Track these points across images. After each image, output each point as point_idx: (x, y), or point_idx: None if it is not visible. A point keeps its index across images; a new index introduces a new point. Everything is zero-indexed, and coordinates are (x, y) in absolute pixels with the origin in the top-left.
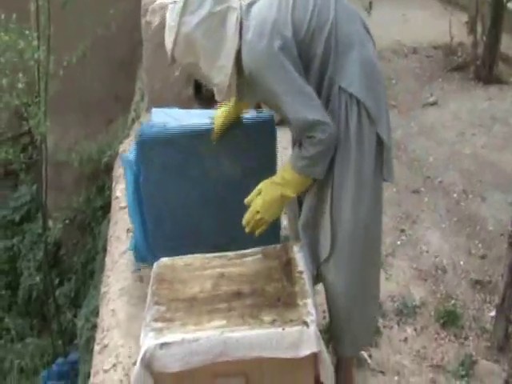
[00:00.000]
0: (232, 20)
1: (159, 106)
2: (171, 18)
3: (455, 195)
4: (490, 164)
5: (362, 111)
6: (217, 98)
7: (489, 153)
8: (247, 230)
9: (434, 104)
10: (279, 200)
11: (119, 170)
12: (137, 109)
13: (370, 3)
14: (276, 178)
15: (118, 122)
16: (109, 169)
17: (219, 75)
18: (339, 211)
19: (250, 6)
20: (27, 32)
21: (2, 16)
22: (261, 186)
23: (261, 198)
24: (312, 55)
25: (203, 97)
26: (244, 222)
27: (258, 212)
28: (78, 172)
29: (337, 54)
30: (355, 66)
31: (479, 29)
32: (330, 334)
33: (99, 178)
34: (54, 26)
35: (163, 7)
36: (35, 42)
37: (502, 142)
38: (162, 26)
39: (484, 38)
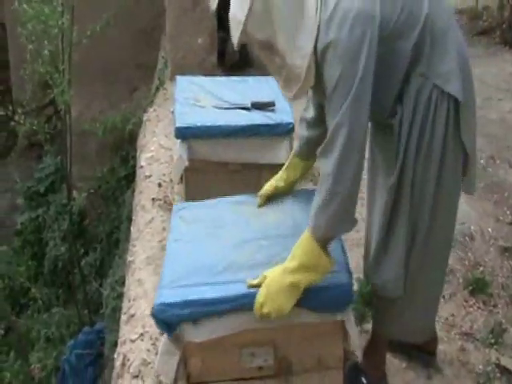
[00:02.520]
0: None
1: (183, 73)
2: None
3: (482, 161)
4: None
5: (451, 112)
6: (287, 92)
7: None
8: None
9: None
10: (289, 291)
11: (144, 140)
12: (160, 76)
13: None
14: (287, 260)
15: (142, 90)
16: (133, 138)
17: (298, 55)
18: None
19: None
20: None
21: None
22: (268, 272)
23: (264, 288)
24: (400, 51)
25: (226, 63)
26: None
27: (262, 306)
28: (102, 142)
29: (433, 49)
30: (452, 62)
31: None
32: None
33: (123, 147)
34: None
35: None
36: (59, 9)
37: None
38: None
39: (510, 1)
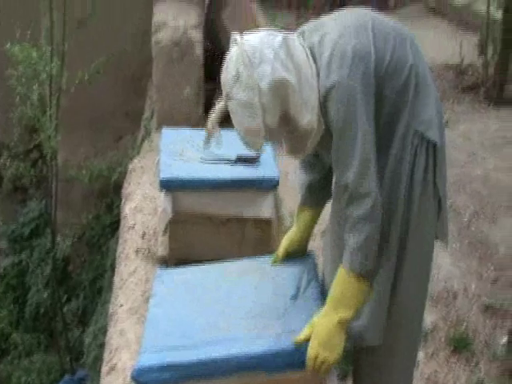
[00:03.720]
0: (297, 48)
1: (169, 124)
2: (242, 91)
3: (466, 218)
4: (500, 186)
5: (430, 157)
6: (298, 154)
7: (500, 175)
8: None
9: (445, 124)
10: (338, 330)
11: (128, 189)
12: (147, 126)
13: None
14: (327, 304)
15: (128, 139)
16: (118, 186)
17: (307, 112)
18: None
19: (322, 38)
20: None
21: (17, 33)
22: (313, 320)
23: (315, 339)
24: (387, 94)
25: None
26: (307, 367)
27: (317, 357)
28: (88, 188)
29: (416, 98)
30: (432, 110)
31: (490, 50)
32: None
33: (108, 195)
34: (69, 42)
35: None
36: (48, 54)
37: None
38: (172, 44)
39: (495, 59)
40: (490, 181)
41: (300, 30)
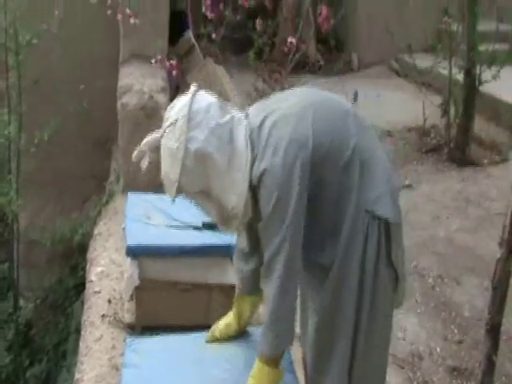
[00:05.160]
0: (241, 132)
1: (134, 187)
2: (173, 140)
3: (430, 280)
4: (464, 248)
5: (382, 235)
6: (226, 228)
7: (463, 236)
8: None
9: (408, 187)
10: None
11: (94, 253)
12: (112, 189)
13: (355, 93)
14: None
15: (93, 201)
16: (82, 248)
17: (234, 196)
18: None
19: (263, 121)
20: None
21: None
22: None
23: None
24: (329, 178)
25: None
26: None
27: None
28: (51, 250)
29: (362, 178)
30: (381, 187)
31: (452, 111)
32: None
33: (72, 257)
34: (26, 102)
35: (152, 146)
36: (5, 117)
37: (476, 225)
38: (137, 108)
39: (457, 120)
40: (453, 242)
41: (248, 109)
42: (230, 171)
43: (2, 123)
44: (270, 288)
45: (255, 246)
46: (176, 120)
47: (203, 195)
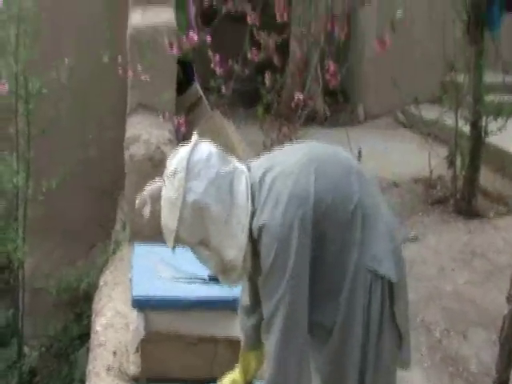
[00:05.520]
0: (242, 183)
1: (140, 237)
2: (172, 190)
3: (437, 333)
4: (471, 301)
5: (386, 293)
6: (225, 280)
7: (470, 289)
8: None
9: (414, 240)
10: None
11: (99, 303)
12: (118, 238)
13: (360, 152)
14: None
15: (99, 249)
16: (87, 296)
17: (233, 248)
18: None
19: (264, 175)
20: (6, 154)
21: None
22: None
23: None
24: (331, 234)
25: None
26: None
27: None
28: (56, 298)
29: (364, 234)
30: (383, 245)
31: (458, 162)
32: None
33: (78, 304)
34: (35, 150)
35: (154, 195)
36: (14, 166)
37: (483, 278)
38: (145, 159)
39: (463, 172)
40: (460, 295)
41: (251, 162)
42: (229, 223)
43: (10, 171)
44: (269, 347)
45: (257, 300)
46: (175, 170)
47: (202, 246)
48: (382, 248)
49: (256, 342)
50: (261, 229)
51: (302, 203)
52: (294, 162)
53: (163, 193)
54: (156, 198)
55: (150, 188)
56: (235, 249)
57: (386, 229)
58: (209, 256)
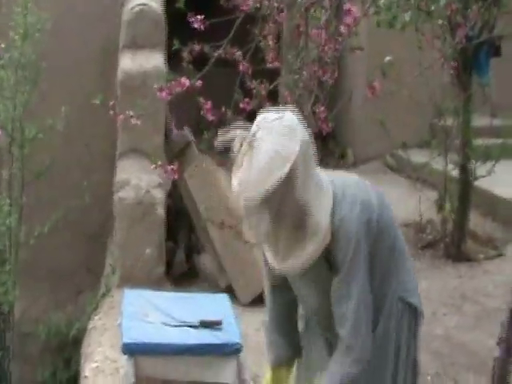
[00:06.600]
0: (323, 175)
1: (130, 282)
2: (287, 138)
3: (428, 378)
4: (462, 345)
5: (412, 320)
6: (292, 259)
7: (461, 333)
8: None
9: None
10: None
11: (89, 348)
12: (107, 283)
13: None
14: None
15: (88, 294)
16: (76, 341)
17: (324, 210)
18: None
19: (331, 180)
20: None
21: None
22: None
23: None
24: (379, 253)
25: (174, 274)
26: None
27: None
28: (44, 343)
29: (397, 268)
30: (415, 279)
31: (448, 206)
32: None
33: (66, 349)
34: (27, 194)
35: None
36: (7, 208)
37: (474, 322)
38: (134, 203)
39: (453, 216)
40: (451, 339)
41: None
42: (322, 198)
43: (3, 213)
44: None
45: (285, 318)
46: (292, 125)
47: (294, 215)
48: (413, 282)
49: (289, 359)
50: (342, 220)
51: (371, 210)
52: (349, 178)
53: (262, 143)
54: (244, 140)
55: (233, 134)
56: (324, 212)
57: (411, 265)
58: (294, 205)
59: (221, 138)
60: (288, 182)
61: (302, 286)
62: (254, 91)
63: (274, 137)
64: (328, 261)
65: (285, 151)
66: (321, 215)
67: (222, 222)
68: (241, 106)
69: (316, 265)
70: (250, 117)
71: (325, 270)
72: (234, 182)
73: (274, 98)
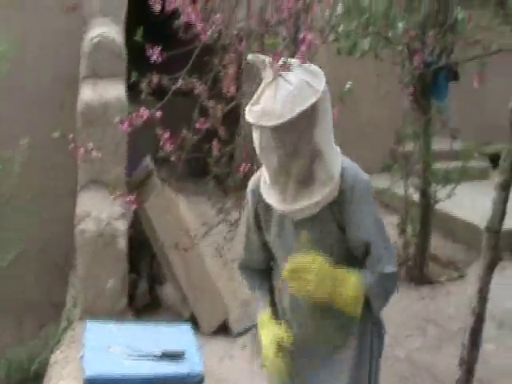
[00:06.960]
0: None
1: (92, 315)
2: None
3: None
4: (425, 368)
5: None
6: (304, 201)
7: (423, 355)
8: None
9: None
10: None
11: (51, 381)
12: (69, 316)
13: None
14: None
15: (50, 327)
16: (38, 376)
17: (336, 152)
18: None
19: None
20: None
21: None
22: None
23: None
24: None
25: (137, 305)
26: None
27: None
28: (5, 380)
29: None
30: None
31: (409, 230)
32: None
33: None
34: None
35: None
36: None
37: (437, 344)
38: (95, 235)
39: (414, 239)
40: (413, 362)
41: None
42: (335, 151)
43: None
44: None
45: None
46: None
47: (312, 130)
48: None
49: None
50: (361, 181)
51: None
52: None
53: (293, 76)
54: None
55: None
56: (335, 155)
57: None
58: (308, 149)
59: (252, 56)
60: (310, 117)
61: (295, 240)
62: (211, 111)
63: (302, 71)
64: (335, 219)
65: (314, 83)
66: (333, 165)
67: (177, 243)
68: (196, 125)
69: (322, 218)
70: (207, 138)
71: (331, 223)
72: (253, 109)
73: (230, 119)
